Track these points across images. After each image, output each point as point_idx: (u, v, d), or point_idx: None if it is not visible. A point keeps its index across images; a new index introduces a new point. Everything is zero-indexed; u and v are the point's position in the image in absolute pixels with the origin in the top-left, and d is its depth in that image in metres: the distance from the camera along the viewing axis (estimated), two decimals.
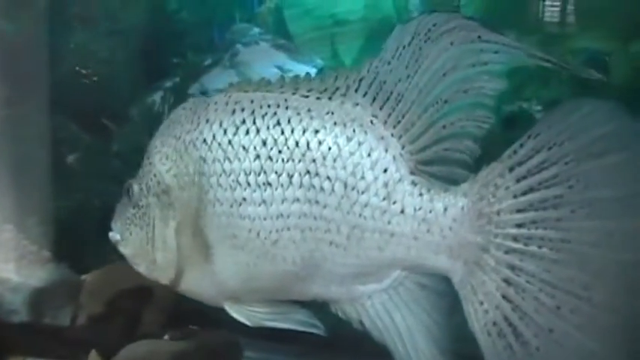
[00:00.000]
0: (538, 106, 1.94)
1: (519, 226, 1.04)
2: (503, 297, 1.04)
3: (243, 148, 1.17)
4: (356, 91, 1.15)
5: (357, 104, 1.15)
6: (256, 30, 2.30)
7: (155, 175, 1.25)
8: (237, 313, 1.23)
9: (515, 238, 1.04)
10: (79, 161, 2.21)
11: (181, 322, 1.80)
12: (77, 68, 2.18)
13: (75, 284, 1.79)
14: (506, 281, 1.04)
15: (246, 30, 2.30)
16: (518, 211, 1.04)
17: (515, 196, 1.04)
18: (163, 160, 1.24)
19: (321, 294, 1.19)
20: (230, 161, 1.18)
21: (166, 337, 1.68)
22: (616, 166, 1.01)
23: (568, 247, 1.02)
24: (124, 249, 1.31)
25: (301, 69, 2.11)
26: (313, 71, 2.09)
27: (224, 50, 2.24)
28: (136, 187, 1.28)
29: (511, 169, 1.05)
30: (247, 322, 1.22)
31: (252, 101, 1.19)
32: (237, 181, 1.17)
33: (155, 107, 2.12)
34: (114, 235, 1.32)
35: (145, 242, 1.27)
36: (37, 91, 1.96)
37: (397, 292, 1.16)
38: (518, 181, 1.04)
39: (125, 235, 1.30)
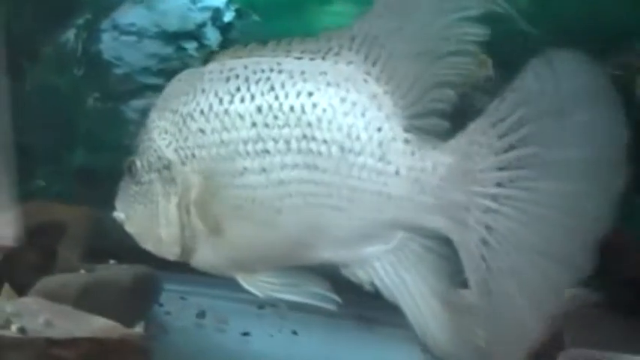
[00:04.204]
0: None
1: (499, 185, 1.01)
2: (482, 257, 1.02)
3: (240, 116, 1.16)
4: (349, 49, 1.13)
5: (351, 62, 1.13)
6: None
7: (155, 151, 1.24)
8: (249, 284, 1.22)
9: (494, 198, 1.01)
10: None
11: (103, 258, 1.82)
12: None
13: None
14: (483, 241, 1.02)
15: None
16: (499, 169, 1.01)
17: (496, 154, 1.01)
18: (162, 135, 1.23)
19: (330, 258, 1.18)
20: (228, 131, 1.17)
21: (82, 271, 1.68)
22: (582, 126, 0.96)
23: (532, 209, 0.99)
24: (129, 228, 1.30)
25: None
26: None
27: None
28: (137, 164, 1.26)
29: (494, 125, 1.01)
30: (258, 294, 1.21)
31: (245, 67, 1.18)
32: (237, 150, 1.16)
33: (69, 45, 2.09)
34: (119, 215, 1.31)
35: (150, 219, 1.26)
36: None
37: (404, 253, 1.13)
38: (500, 137, 1.00)
39: (130, 214, 1.30)
